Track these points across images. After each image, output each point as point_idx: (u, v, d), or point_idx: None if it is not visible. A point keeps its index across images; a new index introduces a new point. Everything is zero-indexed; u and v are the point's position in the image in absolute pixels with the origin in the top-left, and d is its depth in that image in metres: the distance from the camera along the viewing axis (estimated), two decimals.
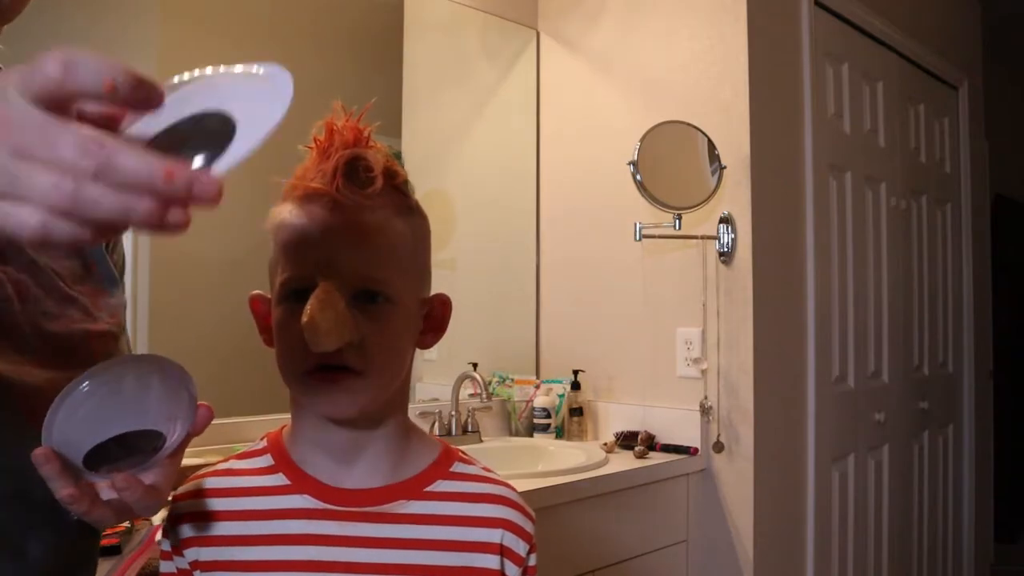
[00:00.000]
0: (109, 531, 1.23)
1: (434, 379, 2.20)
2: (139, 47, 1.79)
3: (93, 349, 0.66)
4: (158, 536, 1.26)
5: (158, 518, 1.35)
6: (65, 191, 0.36)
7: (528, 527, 0.71)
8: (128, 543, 1.22)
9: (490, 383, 2.31)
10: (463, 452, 0.74)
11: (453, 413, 2.15)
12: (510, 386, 2.35)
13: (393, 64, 2.24)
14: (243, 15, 1.92)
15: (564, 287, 2.46)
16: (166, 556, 0.69)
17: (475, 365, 2.14)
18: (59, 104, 0.38)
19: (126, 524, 1.28)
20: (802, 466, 2.20)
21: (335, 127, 0.64)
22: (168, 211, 0.38)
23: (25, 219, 0.37)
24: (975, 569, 3.19)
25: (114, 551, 1.17)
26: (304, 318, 0.59)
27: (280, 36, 1.98)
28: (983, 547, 3.30)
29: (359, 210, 0.63)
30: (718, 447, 2.04)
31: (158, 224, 0.38)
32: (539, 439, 2.25)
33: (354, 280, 0.63)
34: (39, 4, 1.71)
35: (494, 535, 0.69)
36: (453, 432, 2.12)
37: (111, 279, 0.72)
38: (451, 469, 0.71)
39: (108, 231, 0.39)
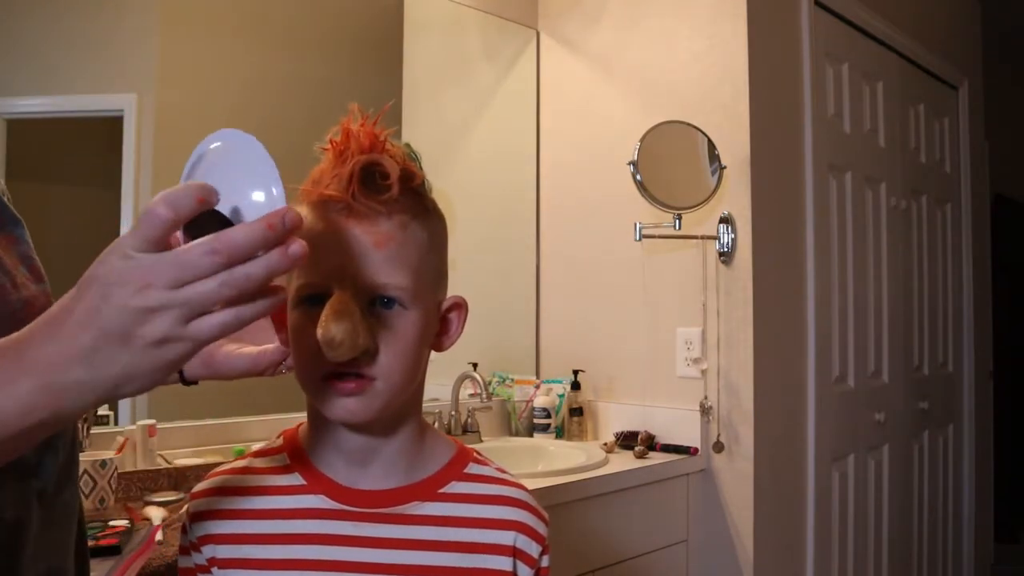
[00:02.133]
0: (109, 531, 1.23)
1: (434, 379, 2.19)
2: (139, 47, 1.79)
3: (38, 310, 0.62)
4: (158, 536, 1.26)
5: (157, 518, 1.35)
6: (231, 281, 0.47)
7: (541, 529, 0.72)
8: (128, 543, 1.22)
9: (490, 383, 2.31)
10: (478, 452, 0.75)
11: (453, 413, 2.15)
12: (510, 386, 2.35)
13: (393, 64, 2.24)
14: (243, 15, 1.92)
15: (564, 287, 2.46)
16: (184, 552, 0.70)
17: (475, 365, 2.14)
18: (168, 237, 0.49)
19: (126, 524, 1.28)
20: (802, 466, 2.20)
21: (351, 131, 0.64)
22: (288, 249, 0.49)
23: (217, 322, 0.48)
24: (975, 569, 3.19)
25: (114, 551, 1.17)
26: (319, 329, 0.59)
27: (280, 36, 1.98)
28: (983, 547, 3.30)
29: (375, 217, 0.63)
30: (718, 447, 2.04)
31: (290, 263, 0.49)
32: (539, 439, 2.25)
33: (369, 288, 0.63)
34: (41, 2, 1.71)
35: (507, 537, 0.69)
36: (453, 432, 2.12)
37: (13, 220, 0.68)
38: (465, 470, 0.72)
39: (262, 289, 0.50)
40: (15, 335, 0.49)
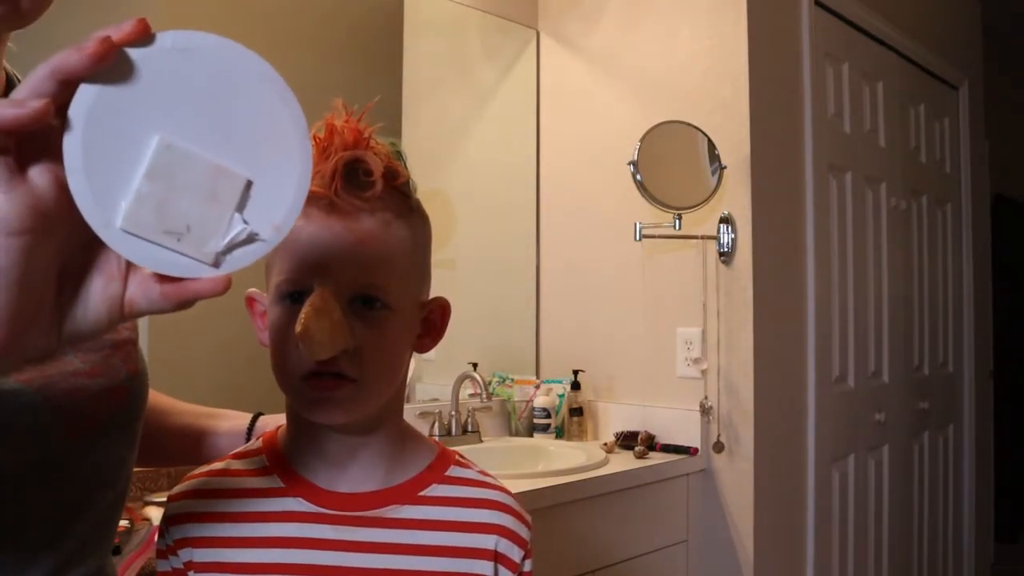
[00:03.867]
0: None
1: (434, 379, 2.20)
2: None
3: (121, 358, 0.67)
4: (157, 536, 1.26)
5: (157, 518, 1.35)
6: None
7: (524, 533, 0.70)
8: (128, 543, 1.22)
9: (490, 383, 2.31)
10: (460, 455, 0.73)
11: (453, 413, 2.15)
12: (510, 386, 2.35)
13: (393, 64, 2.24)
14: (242, 15, 1.92)
15: (564, 287, 2.46)
16: (161, 555, 0.69)
17: (475, 365, 2.14)
18: None
19: (126, 524, 1.28)
20: (802, 466, 2.20)
21: (335, 126, 0.63)
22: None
23: None
24: (975, 569, 3.19)
25: (114, 551, 1.17)
26: (298, 327, 0.58)
27: (280, 36, 1.98)
28: (983, 547, 3.30)
29: (357, 214, 0.62)
30: (718, 447, 2.04)
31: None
32: (539, 439, 2.25)
33: (351, 286, 0.62)
34: None
35: (488, 541, 0.68)
36: (453, 432, 2.12)
37: None
38: (447, 473, 0.70)
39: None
40: None
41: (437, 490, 0.69)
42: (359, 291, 0.62)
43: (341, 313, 0.59)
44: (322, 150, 0.63)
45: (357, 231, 0.62)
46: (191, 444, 0.88)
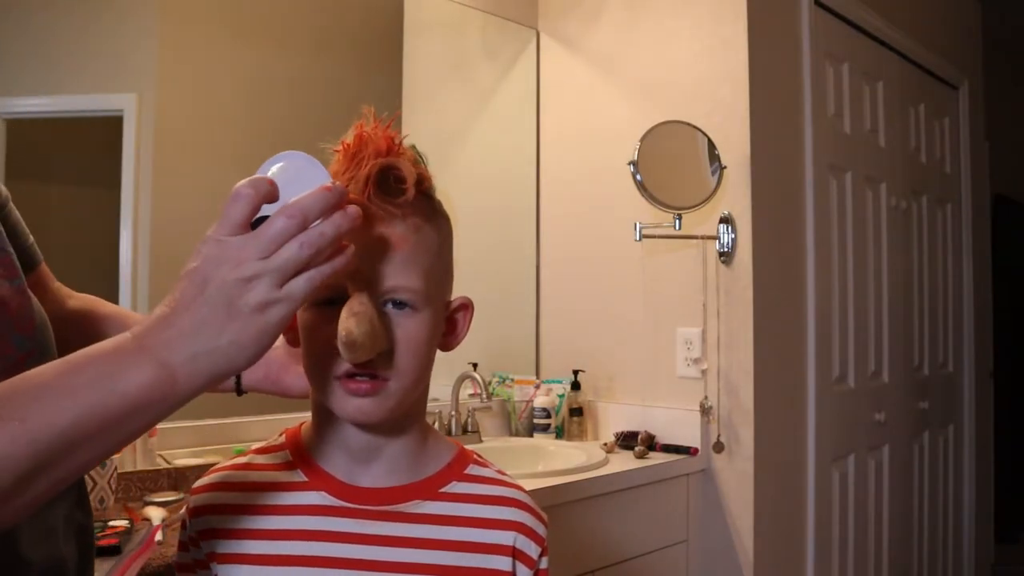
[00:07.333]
0: (109, 531, 1.23)
1: (434, 379, 2.18)
2: (139, 47, 1.79)
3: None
4: (158, 536, 1.26)
5: (157, 518, 1.35)
6: (309, 240, 0.54)
7: (540, 530, 0.72)
8: (128, 543, 1.22)
9: (490, 383, 2.31)
10: (478, 454, 0.75)
11: (453, 413, 2.15)
12: (510, 386, 2.35)
13: (393, 64, 2.24)
14: (243, 15, 1.92)
15: (564, 287, 2.46)
16: (183, 547, 0.71)
17: (475, 365, 2.14)
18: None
19: (126, 524, 1.28)
20: (802, 466, 2.20)
21: (366, 134, 0.65)
22: (347, 210, 0.56)
23: (305, 279, 0.55)
24: (976, 569, 3.19)
25: (114, 551, 1.17)
26: (341, 331, 0.59)
27: (280, 36, 1.98)
28: (984, 547, 3.30)
29: (390, 220, 0.64)
30: (718, 447, 2.04)
31: (351, 221, 0.56)
32: (539, 439, 2.25)
33: (383, 290, 0.64)
34: (41, 2, 1.71)
35: (507, 537, 0.70)
36: (453, 432, 2.12)
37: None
38: (466, 471, 0.72)
39: (335, 248, 0.57)
40: (132, 331, 0.54)
41: (457, 487, 0.70)
42: (392, 294, 0.64)
43: (378, 316, 0.61)
44: (351, 157, 0.65)
45: (390, 236, 0.64)
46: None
